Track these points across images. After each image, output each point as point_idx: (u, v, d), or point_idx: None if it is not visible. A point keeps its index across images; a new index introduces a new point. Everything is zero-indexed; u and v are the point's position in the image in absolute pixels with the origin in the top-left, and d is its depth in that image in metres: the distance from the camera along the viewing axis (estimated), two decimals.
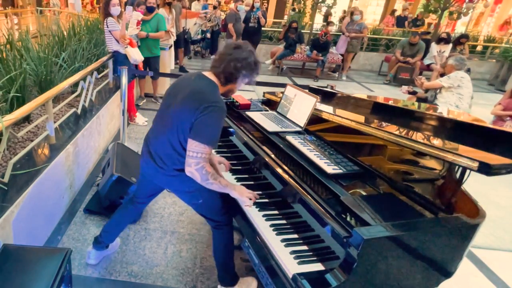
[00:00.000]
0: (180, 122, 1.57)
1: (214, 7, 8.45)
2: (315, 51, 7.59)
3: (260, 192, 1.82)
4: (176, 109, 1.59)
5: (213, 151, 2.03)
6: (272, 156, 1.76)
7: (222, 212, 1.83)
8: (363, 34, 7.69)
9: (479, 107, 5.93)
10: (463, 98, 3.96)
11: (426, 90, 4.64)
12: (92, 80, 3.36)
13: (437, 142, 1.41)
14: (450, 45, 7.37)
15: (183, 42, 6.91)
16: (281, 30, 9.13)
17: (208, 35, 8.51)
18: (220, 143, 2.30)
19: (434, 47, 7.44)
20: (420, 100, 4.57)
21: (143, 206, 2.12)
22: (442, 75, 4.50)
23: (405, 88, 4.82)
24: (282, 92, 2.29)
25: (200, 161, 1.52)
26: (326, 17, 7.83)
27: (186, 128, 1.55)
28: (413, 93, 4.74)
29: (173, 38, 5.62)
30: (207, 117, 1.50)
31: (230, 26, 7.36)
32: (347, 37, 7.79)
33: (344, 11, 7.79)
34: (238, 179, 1.92)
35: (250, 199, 1.62)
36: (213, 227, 1.86)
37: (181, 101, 1.57)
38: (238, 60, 1.55)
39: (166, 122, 1.65)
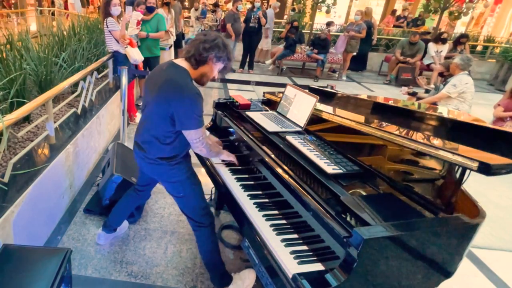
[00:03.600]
0: (158, 111, 1.68)
1: (215, 8, 8.40)
2: (315, 50, 7.62)
3: (260, 192, 1.82)
4: (153, 100, 1.70)
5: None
6: (272, 156, 1.76)
7: (203, 213, 1.87)
8: (361, 35, 7.70)
9: (479, 107, 5.94)
10: (465, 101, 3.96)
11: (426, 91, 4.63)
12: (92, 80, 3.36)
13: (437, 142, 1.41)
14: (447, 45, 7.38)
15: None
16: (282, 30, 9.15)
17: None
18: None
19: (432, 47, 7.45)
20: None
21: (144, 194, 2.21)
22: (441, 74, 4.49)
23: (405, 89, 4.82)
24: (282, 92, 2.29)
25: (203, 141, 1.70)
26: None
27: (165, 118, 1.66)
28: (413, 94, 4.74)
29: (173, 38, 5.63)
30: (187, 107, 1.61)
31: (228, 26, 7.36)
32: (346, 37, 7.80)
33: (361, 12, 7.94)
34: (238, 179, 1.92)
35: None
36: (194, 228, 1.90)
37: (157, 92, 1.67)
38: (206, 41, 1.64)
39: (147, 113, 1.78)
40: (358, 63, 8.87)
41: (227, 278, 1.95)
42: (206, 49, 1.63)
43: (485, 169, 1.13)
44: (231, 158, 1.96)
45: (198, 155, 2.03)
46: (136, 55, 4.00)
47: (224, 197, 1.93)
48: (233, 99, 2.39)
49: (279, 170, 1.65)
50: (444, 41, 7.29)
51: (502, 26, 13.62)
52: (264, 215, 1.63)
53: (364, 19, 8.16)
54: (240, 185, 1.87)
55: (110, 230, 2.29)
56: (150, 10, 4.47)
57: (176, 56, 6.00)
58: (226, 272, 1.96)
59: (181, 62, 1.69)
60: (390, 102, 2.20)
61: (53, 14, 9.63)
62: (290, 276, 1.28)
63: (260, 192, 1.82)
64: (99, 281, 2.04)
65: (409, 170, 1.62)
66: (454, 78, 3.98)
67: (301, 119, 2.03)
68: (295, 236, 1.50)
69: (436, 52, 7.34)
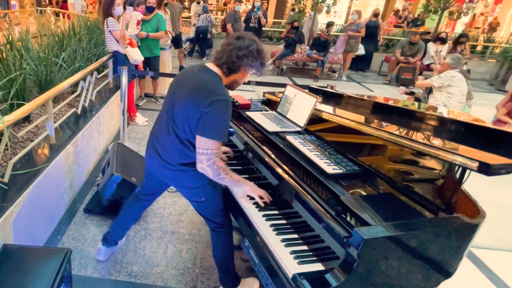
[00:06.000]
0: (185, 116, 1.54)
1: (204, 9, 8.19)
2: (314, 50, 7.63)
3: None
4: (181, 103, 1.56)
5: None
6: (272, 156, 1.76)
7: (222, 214, 1.82)
8: (361, 33, 7.71)
9: (479, 107, 5.94)
10: (452, 97, 3.96)
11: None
12: (92, 80, 3.36)
13: (437, 142, 1.41)
14: (447, 45, 7.39)
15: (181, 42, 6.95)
16: (282, 30, 9.15)
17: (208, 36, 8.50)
18: None
19: (431, 47, 7.45)
20: (419, 100, 4.59)
21: (147, 203, 2.10)
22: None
23: (402, 89, 4.86)
24: (282, 92, 2.29)
25: (211, 157, 1.51)
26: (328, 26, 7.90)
27: (191, 122, 1.53)
28: (411, 93, 4.78)
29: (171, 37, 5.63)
30: (213, 113, 1.47)
31: (228, 26, 7.37)
32: (345, 37, 7.81)
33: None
34: None
35: (262, 198, 1.64)
36: (212, 229, 1.86)
37: (186, 95, 1.55)
38: (240, 48, 1.52)
39: (171, 116, 1.62)
40: (362, 63, 8.88)
41: (236, 281, 1.94)
42: (240, 57, 1.52)
43: (485, 169, 1.13)
44: (258, 193, 1.64)
45: None
46: (136, 55, 4.00)
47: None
48: (233, 99, 2.39)
49: (279, 170, 1.65)
50: (443, 41, 7.30)
51: (502, 26, 13.63)
52: (264, 215, 1.63)
53: (372, 20, 8.21)
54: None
55: (110, 244, 2.17)
56: (150, 10, 4.46)
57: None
58: (237, 274, 1.95)
59: (214, 67, 1.59)
60: (390, 102, 2.20)
61: (57, 15, 9.61)
62: (290, 276, 1.28)
63: None
64: (99, 281, 2.04)
65: (409, 170, 1.62)
66: (442, 73, 4.09)
67: (301, 119, 2.03)
68: (295, 236, 1.50)
69: (436, 52, 7.35)
